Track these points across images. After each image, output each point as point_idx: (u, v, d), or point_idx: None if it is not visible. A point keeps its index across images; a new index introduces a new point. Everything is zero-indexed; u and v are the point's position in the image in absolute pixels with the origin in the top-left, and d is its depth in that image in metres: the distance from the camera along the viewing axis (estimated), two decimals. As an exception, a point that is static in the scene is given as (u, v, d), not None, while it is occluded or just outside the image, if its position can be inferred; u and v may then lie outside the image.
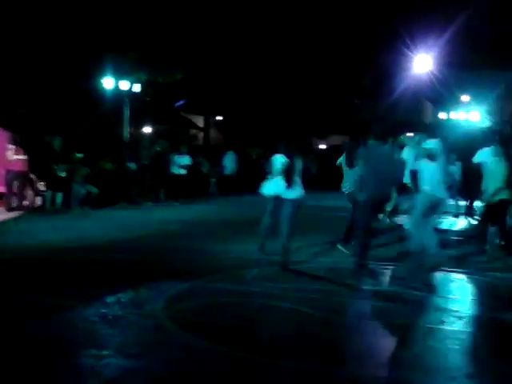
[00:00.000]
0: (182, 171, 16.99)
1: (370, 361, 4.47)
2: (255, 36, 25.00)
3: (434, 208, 7.48)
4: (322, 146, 33.54)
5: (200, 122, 31.80)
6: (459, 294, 6.76)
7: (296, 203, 7.51)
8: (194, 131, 31.92)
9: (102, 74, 20.68)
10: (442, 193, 7.44)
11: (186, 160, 17.30)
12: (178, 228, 11.44)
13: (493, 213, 8.77)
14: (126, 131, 21.61)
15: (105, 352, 4.43)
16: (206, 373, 4.13)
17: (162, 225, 11.88)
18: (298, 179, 7.54)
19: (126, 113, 21.50)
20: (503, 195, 8.59)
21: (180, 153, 17.41)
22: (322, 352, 4.60)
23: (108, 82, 20.67)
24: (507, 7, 31.76)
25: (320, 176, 21.29)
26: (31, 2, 20.17)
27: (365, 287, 6.77)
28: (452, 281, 7.38)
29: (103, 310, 5.49)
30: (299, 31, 25.56)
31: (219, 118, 31.32)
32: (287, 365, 4.27)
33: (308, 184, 7.84)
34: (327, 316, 5.51)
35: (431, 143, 7.55)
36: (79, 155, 14.88)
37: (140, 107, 22.79)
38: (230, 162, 20.78)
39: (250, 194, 19.44)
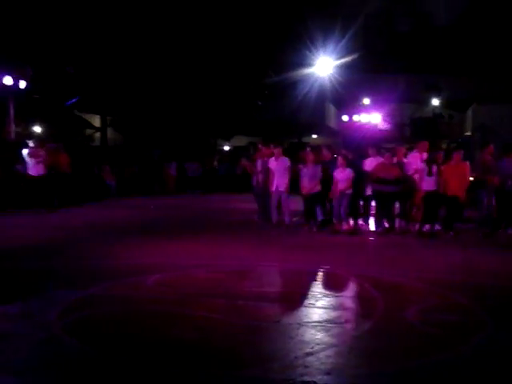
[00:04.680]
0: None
1: (276, 363, 4.53)
2: (156, 32, 24.65)
3: None
4: (226, 147, 33.82)
5: (96, 121, 30.88)
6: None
7: None
8: (89, 131, 30.94)
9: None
10: None
11: None
12: (76, 234, 11.03)
13: None
14: (13, 131, 20.54)
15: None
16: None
17: (59, 231, 11.40)
18: None
19: (12, 111, 20.42)
20: None
21: None
22: (227, 356, 4.61)
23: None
24: (404, 12, 33.67)
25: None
26: None
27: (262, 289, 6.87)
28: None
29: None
30: (202, 31, 25.54)
31: (117, 117, 30.57)
32: (193, 373, 4.24)
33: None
34: (237, 321, 5.51)
35: None
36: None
37: (27, 105, 21.75)
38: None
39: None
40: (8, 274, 7.32)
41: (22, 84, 20.36)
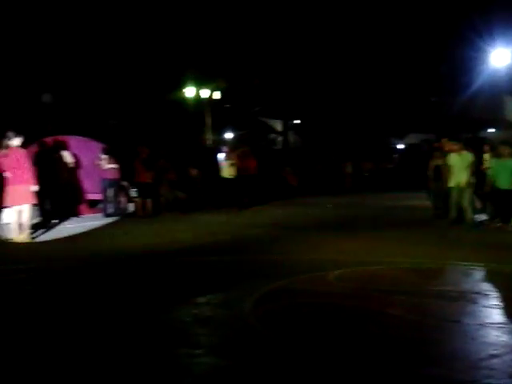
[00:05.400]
0: None
1: (459, 363, 4.28)
2: (331, 38, 24.79)
3: None
4: (400, 146, 32.80)
5: (278, 126, 31.90)
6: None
7: None
8: (272, 135, 32.05)
9: (184, 83, 21.29)
10: None
11: None
12: (262, 231, 11.50)
13: None
14: (209, 138, 22.10)
15: (196, 351, 4.52)
16: (292, 374, 4.13)
17: (248, 228, 11.96)
18: None
19: (208, 120, 21.98)
20: None
21: None
22: (409, 353, 4.47)
23: (190, 91, 21.24)
24: None
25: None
26: (116, 21, 21.15)
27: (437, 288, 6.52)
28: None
29: (194, 311, 5.61)
30: (375, 32, 25.08)
31: (297, 121, 31.28)
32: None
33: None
34: (416, 318, 5.31)
35: None
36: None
37: (220, 114, 23.24)
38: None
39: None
40: (207, 266, 7.83)
41: (217, 95, 21.89)
